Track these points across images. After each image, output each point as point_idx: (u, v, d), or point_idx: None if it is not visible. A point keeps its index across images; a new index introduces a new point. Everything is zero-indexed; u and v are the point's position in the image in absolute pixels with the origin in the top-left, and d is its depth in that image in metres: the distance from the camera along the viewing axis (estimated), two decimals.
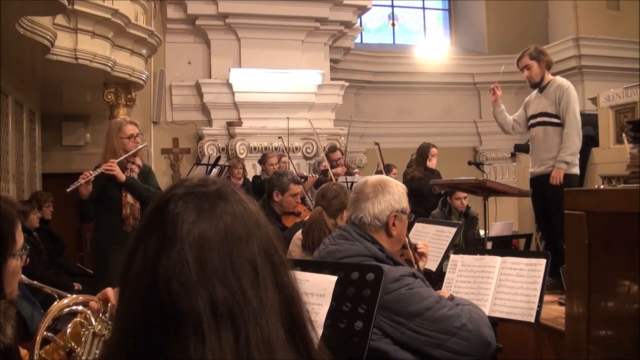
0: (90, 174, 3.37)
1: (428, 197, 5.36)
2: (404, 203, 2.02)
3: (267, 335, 0.69)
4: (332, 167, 6.88)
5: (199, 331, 0.66)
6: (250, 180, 6.65)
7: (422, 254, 2.29)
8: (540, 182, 4.08)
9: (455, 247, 3.41)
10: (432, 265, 2.99)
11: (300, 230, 3.13)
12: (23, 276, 1.50)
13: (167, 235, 0.70)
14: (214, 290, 0.68)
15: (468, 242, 4.88)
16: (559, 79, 4.13)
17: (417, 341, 1.76)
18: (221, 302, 0.67)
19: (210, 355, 0.65)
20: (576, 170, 4.03)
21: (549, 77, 4.13)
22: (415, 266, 2.21)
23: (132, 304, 0.71)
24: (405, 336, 1.77)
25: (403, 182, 3.28)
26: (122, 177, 3.46)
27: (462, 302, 1.97)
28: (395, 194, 2.00)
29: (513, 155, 6.81)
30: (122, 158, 3.48)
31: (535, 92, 4.21)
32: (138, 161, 3.63)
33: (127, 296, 0.72)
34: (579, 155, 4.03)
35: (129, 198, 3.51)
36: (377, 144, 4.67)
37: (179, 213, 0.71)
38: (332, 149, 7.21)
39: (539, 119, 4.12)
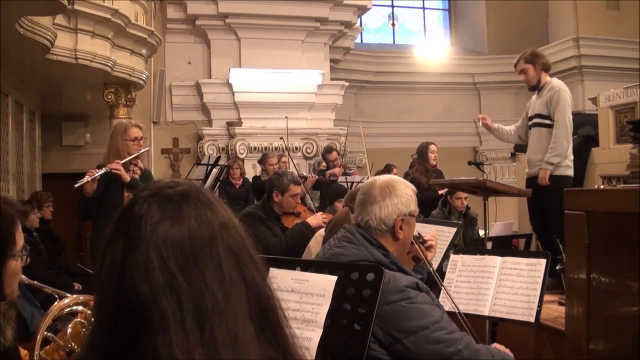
0: (97, 172, 3.38)
1: (435, 201, 5.39)
2: (412, 206, 1.95)
3: (234, 328, 0.71)
4: (328, 167, 6.88)
5: (165, 327, 0.68)
6: (251, 180, 6.65)
7: (430, 247, 2.22)
8: (534, 184, 4.11)
9: (455, 247, 3.42)
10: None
11: (322, 228, 3.16)
12: (23, 276, 1.50)
13: (132, 236, 0.73)
14: (178, 287, 0.70)
15: (467, 243, 4.88)
16: (553, 81, 4.14)
17: (408, 359, 1.69)
18: (186, 299, 0.70)
19: (177, 349, 0.67)
20: (570, 172, 4.04)
21: (546, 78, 4.15)
22: (423, 259, 2.18)
23: (104, 305, 0.74)
24: (398, 352, 1.70)
25: None
26: (127, 177, 3.49)
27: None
28: (403, 197, 1.93)
29: (513, 155, 6.81)
30: (126, 160, 3.52)
31: (535, 94, 4.25)
32: (140, 164, 3.67)
33: (99, 297, 0.75)
34: (572, 157, 4.05)
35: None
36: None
37: (144, 215, 0.74)
38: (329, 149, 7.19)
39: (534, 121, 4.16)
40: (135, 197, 0.78)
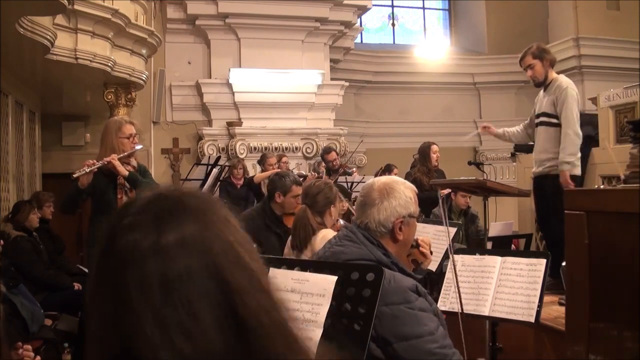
0: (95, 163, 3.35)
1: (437, 201, 5.40)
2: (412, 207, 1.92)
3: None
4: (327, 168, 6.87)
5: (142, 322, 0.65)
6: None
7: (423, 254, 2.17)
8: (540, 183, 4.05)
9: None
10: (432, 265, 2.98)
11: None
12: None
13: (118, 282, 0.67)
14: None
15: (470, 238, 4.90)
16: (561, 78, 4.04)
17: None
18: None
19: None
20: (577, 171, 3.94)
21: (552, 75, 4.03)
22: (420, 264, 2.16)
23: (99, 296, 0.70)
24: (388, 355, 1.68)
25: None
26: (124, 171, 3.42)
27: None
28: (401, 199, 1.90)
29: (513, 155, 6.80)
30: (121, 156, 3.45)
31: (542, 91, 4.14)
32: (133, 162, 3.59)
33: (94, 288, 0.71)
34: (579, 155, 3.97)
35: (125, 200, 3.50)
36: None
37: (128, 251, 0.68)
38: (327, 150, 7.18)
39: (540, 119, 4.08)
40: (117, 228, 0.70)
